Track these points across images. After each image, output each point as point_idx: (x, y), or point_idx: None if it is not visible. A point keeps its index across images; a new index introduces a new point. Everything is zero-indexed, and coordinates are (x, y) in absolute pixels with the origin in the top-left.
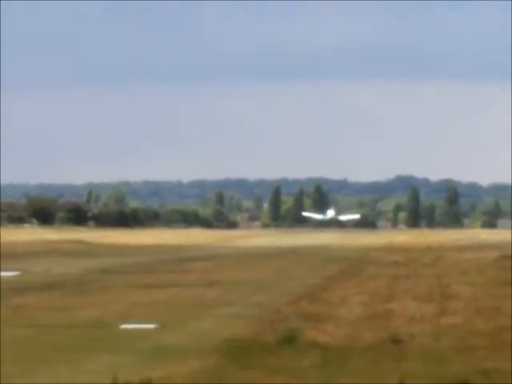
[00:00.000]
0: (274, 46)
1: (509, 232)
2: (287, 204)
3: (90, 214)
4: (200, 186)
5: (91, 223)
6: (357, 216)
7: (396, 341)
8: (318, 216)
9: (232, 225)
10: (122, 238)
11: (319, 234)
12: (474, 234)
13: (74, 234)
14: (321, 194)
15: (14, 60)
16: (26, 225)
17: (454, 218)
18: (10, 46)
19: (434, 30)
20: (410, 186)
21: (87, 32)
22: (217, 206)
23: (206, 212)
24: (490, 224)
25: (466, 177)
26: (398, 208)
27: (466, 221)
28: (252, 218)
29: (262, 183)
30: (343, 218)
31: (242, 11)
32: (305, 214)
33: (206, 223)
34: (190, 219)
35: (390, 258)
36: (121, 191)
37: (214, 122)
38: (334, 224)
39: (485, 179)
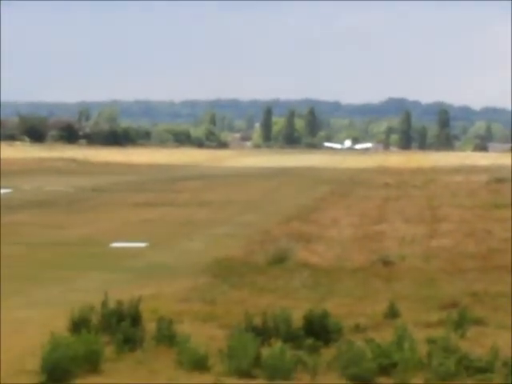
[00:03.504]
0: None
1: (500, 155)
2: (279, 125)
3: (81, 133)
4: (192, 105)
5: (83, 142)
6: (369, 145)
7: (386, 262)
8: (336, 145)
9: (223, 145)
10: (113, 156)
11: (310, 155)
12: (466, 157)
13: (66, 152)
14: (313, 116)
15: None
16: (18, 142)
17: (446, 140)
18: None
19: None
20: (402, 109)
21: None
22: (209, 125)
23: (198, 132)
24: (482, 147)
25: (458, 100)
26: (389, 130)
27: (457, 144)
28: (243, 139)
29: (254, 104)
30: (358, 146)
31: None
32: (327, 144)
33: (198, 143)
34: (182, 139)
35: (380, 179)
36: (113, 110)
37: (207, 43)
38: (329, 147)
39: (477, 103)
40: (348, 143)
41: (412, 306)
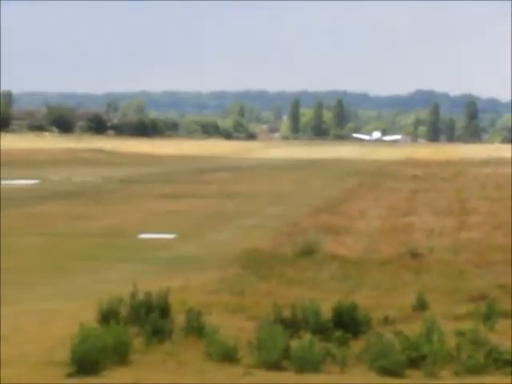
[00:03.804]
0: None
1: None
2: (307, 116)
3: (109, 124)
4: (220, 97)
5: (111, 132)
6: (398, 136)
7: (415, 254)
8: (365, 137)
9: (251, 136)
10: (141, 147)
11: (338, 147)
12: (494, 149)
13: (94, 143)
14: (341, 107)
15: None
16: (46, 133)
17: (474, 132)
18: None
19: None
20: (430, 101)
21: None
22: (237, 117)
23: (226, 123)
24: (509, 140)
25: (486, 92)
26: (417, 122)
27: (485, 136)
28: (271, 130)
29: (281, 95)
30: (386, 138)
31: None
32: (355, 135)
33: (226, 134)
34: (210, 130)
35: (409, 171)
36: (141, 101)
37: (235, 34)
38: (356, 139)
39: (505, 95)
40: (377, 135)
41: (440, 298)
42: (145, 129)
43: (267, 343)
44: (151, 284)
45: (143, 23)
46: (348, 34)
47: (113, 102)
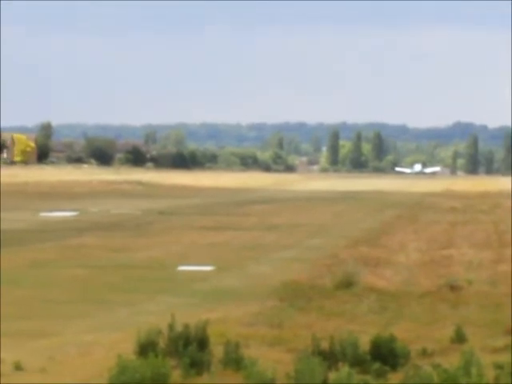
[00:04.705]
0: None
1: None
2: (346, 148)
3: (148, 156)
4: (259, 129)
5: (150, 164)
6: (438, 168)
7: (453, 287)
8: (407, 170)
9: (290, 168)
10: (180, 179)
11: (377, 179)
12: None
13: (133, 174)
14: (380, 139)
15: (80, 6)
16: (85, 165)
17: None
18: None
19: None
20: (469, 133)
21: None
22: (276, 149)
23: (265, 155)
24: None
25: None
26: (456, 154)
27: None
28: (310, 162)
29: (320, 127)
30: (427, 170)
31: None
32: (397, 168)
33: (265, 166)
34: (249, 162)
35: (447, 203)
36: (180, 133)
37: (275, 66)
38: (395, 171)
39: None
40: (418, 167)
41: (479, 330)
42: (184, 161)
43: (305, 375)
44: (190, 316)
45: (181, 56)
46: (387, 65)
47: (151, 133)
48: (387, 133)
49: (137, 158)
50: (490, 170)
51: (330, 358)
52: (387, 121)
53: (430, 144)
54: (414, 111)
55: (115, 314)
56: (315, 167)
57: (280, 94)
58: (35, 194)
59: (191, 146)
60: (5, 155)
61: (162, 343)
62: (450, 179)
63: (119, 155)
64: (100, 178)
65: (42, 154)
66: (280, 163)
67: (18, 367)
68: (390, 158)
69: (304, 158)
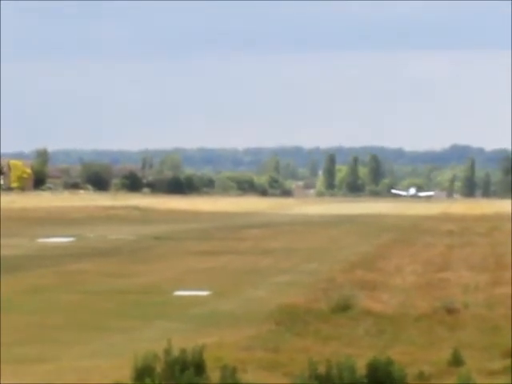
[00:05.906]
0: (336, 19)
1: None
2: (342, 172)
3: (144, 181)
4: (255, 153)
5: (146, 190)
6: (431, 193)
7: (450, 310)
8: (403, 193)
9: (287, 192)
10: (177, 204)
11: (374, 203)
12: None
13: (129, 200)
14: (376, 163)
15: (75, 32)
16: (81, 191)
17: (510, 187)
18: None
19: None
20: (466, 156)
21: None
22: (272, 173)
23: (261, 179)
24: None
25: None
26: (453, 178)
27: None
28: (307, 186)
29: (317, 151)
30: (421, 194)
31: None
32: (393, 191)
33: (261, 191)
34: (245, 186)
35: (444, 227)
36: (176, 158)
37: (270, 90)
38: (392, 194)
39: None
40: (412, 191)
41: (475, 353)
42: (180, 186)
43: None
44: (186, 341)
45: (175, 81)
46: (382, 89)
47: (148, 158)
48: (384, 156)
49: (133, 183)
50: (486, 193)
51: (326, 382)
52: (383, 144)
53: (426, 167)
54: (411, 134)
55: (113, 340)
56: (312, 191)
57: (275, 118)
58: (32, 220)
59: (188, 170)
60: (1, 181)
61: (158, 368)
62: (447, 202)
63: (115, 180)
64: (96, 204)
65: (39, 180)
66: (276, 187)
67: None
68: (386, 181)
69: (300, 182)
